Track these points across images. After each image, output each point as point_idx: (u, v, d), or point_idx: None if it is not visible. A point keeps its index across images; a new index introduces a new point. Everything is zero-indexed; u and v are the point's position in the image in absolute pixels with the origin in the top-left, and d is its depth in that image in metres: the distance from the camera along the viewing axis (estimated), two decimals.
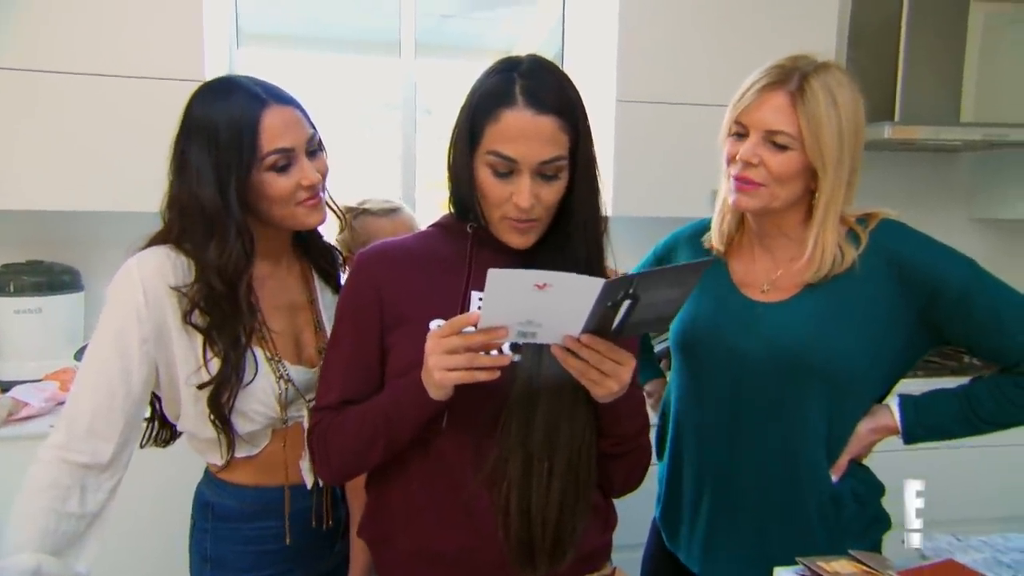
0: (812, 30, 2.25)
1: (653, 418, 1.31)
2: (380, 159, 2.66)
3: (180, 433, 1.21)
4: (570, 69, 2.56)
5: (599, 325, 0.85)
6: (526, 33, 2.77)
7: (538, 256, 1.00)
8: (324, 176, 1.15)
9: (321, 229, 1.24)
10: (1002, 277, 1.13)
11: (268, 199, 1.09)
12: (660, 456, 1.36)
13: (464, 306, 0.98)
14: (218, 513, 1.17)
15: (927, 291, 1.11)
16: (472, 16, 2.77)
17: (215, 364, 1.07)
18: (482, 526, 0.97)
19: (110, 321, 1.05)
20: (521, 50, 2.70)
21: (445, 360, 0.86)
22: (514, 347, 0.95)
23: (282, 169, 1.08)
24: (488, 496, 0.96)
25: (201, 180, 1.05)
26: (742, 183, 1.13)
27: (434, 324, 0.97)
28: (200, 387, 1.07)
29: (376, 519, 1.07)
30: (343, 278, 1.32)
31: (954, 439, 1.19)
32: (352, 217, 1.62)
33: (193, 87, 1.12)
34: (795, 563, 1.00)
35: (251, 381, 1.10)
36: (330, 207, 1.19)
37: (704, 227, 1.31)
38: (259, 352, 1.13)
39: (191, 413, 1.10)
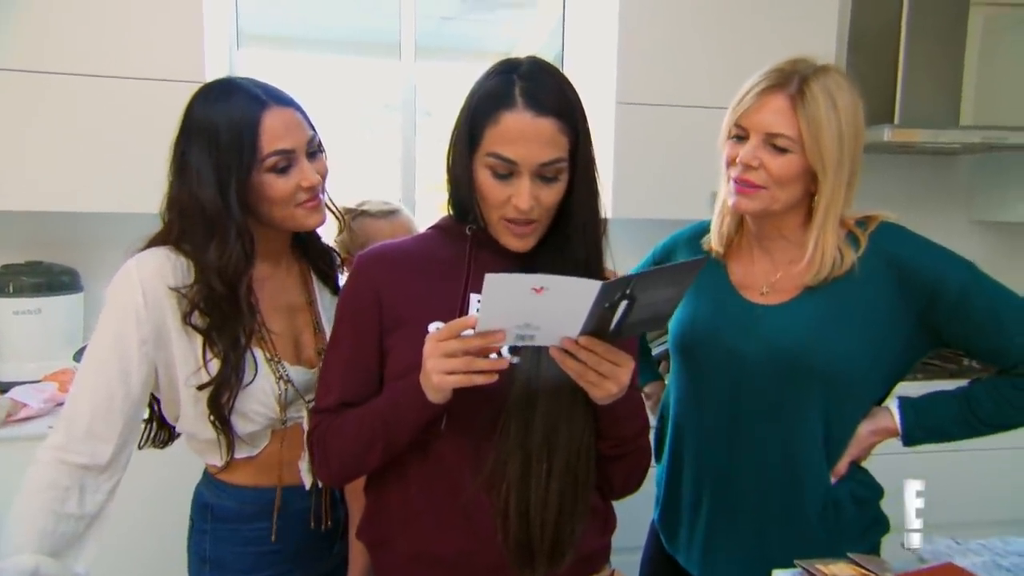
0: (812, 33, 2.25)
1: (652, 420, 1.31)
2: (380, 161, 2.66)
3: (178, 434, 1.21)
4: (570, 71, 2.55)
5: (597, 326, 0.85)
6: (526, 35, 2.78)
7: (537, 258, 1.00)
8: (324, 178, 1.15)
9: (320, 231, 1.24)
10: (1002, 279, 1.14)
11: (268, 200, 1.09)
12: (659, 458, 1.36)
13: (463, 308, 0.98)
14: (217, 514, 1.17)
15: (926, 293, 1.11)
16: (472, 18, 2.77)
17: (215, 365, 1.07)
18: (481, 528, 0.97)
19: (109, 322, 1.05)
20: (521, 52, 2.71)
21: (443, 363, 0.86)
22: (512, 350, 0.95)
23: (282, 170, 1.08)
24: (487, 498, 0.96)
25: (201, 181, 1.05)
26: (742, 185, 1.13)
27: (433, 327, 0.97)
28: (200, 388, 1.07)
29: (375, 521, 1.07)
30: (341, 280, 1.32)
31: (953, 441, 1.19)
32: (351, 218, 1.62)
33: (193, 88, 1.12)
34: (794, 566, 1.00)
35: (251, 382, 1.10)
36: (329, 209, 1.19)
37: (703, 229, 1.31)
38: (259, 353, 1.13)
39: (191, 414, 1.10)
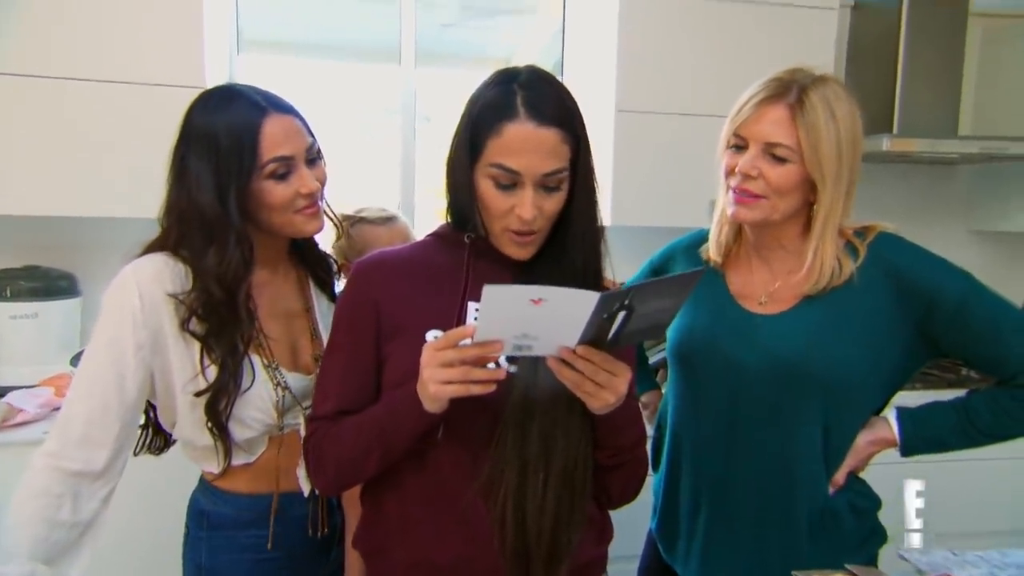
0: (811, 42, 2.26)
1: (649, 430, 1.31)
2: (380, 165, 2.67)
3: (174, 441, 1.21)
4: (569, 79, 2.57)
5: (595, 336, 0.85)
6: (525, 42, 2.79)
7: (536, 267, 1.00)
8: (323, 184, 1.15)
9: (317, 237, 1.24)
10: (1000, 289, 1.14)
11: (267, 207, 1.09)
12: (656, 467, 1.36)
13: (461, 317, 0.98)
14: (213, 522, 1.16)
15: (924, 303, 1.11)
16: (472, 25, 2.78)
17: (212, 371, 1.07)
18: (478, 536, 0.96)
19: (106, 328, 1.05)
20: (520, 59, 2.74)
21: (441, 373, 0.86)
22: (510, 359, 0.95)
23: (281, 177, 1.08)
24: (484, 507, 0.96)
25: (200, 187, 1.06)
26: (741, 195, 1.14)
27: (430, 335, 0.97)
28: (197, 394, 1.06)
29: (371, 530, 1.06)
30: (338, 286, 1.32)
31: (952, 451, 1.19)
32: (349, 225, 1.63)
33: (193, 93, 1.13)
34: None
35: (248, 388, 1.10)
36: (327, 215, 1.19)
37: (702, 238, 1.31)
38: (256, 359, 1.13)
39: (187, 421, 1.10)
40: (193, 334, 1.06)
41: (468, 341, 0.86)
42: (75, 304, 2.14)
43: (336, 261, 1.35)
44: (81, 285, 2.17)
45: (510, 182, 0.93)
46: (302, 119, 1.13)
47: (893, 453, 1.19)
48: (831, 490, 1.17)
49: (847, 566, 1.03)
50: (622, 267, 1.13)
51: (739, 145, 1.14)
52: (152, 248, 1.10)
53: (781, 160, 1.10)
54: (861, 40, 2.54)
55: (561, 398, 0.94)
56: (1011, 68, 2.69)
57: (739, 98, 1.15)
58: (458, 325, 0.97)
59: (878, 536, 1.23)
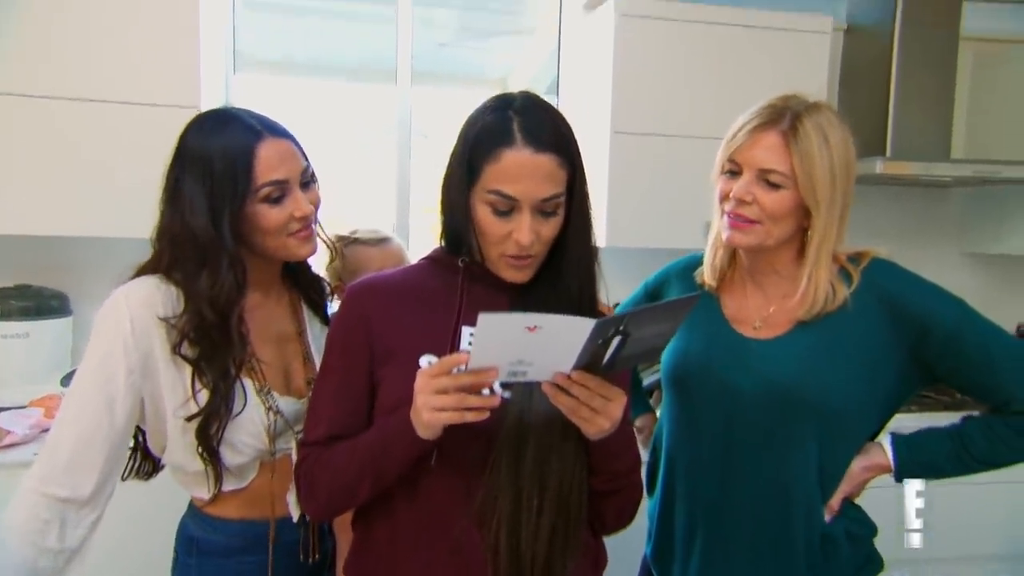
0: (804, 65, 2.29)
1: (644, 454, 1.30)
2: (376, 184, 2.68)
3: (163, 466, 1.20)
4: (565, 100, 2.59)
5: (589, 361, 0.85)
6: (522, 62, 2.81)
7: (531, 291, 1.01)
8: (317, 207, 1.15)
9: (310, 260, 1.24)
10: (993, 312, 1.14)
11: (261, 230, 1.10)
12: (651, 492, 1.36)
13: (455, 342, 0.98)
14: (203, 548, 1.15)
15: (917, 329, 1.12)
16: (468, 45, 2.80)
17: (204, 395, 1.06)
18: (471, 564, 0.96)
19: (96, 352, 1.05)
20: (517, 79, 2.76)
21: (434, 400, 0.86)
22: (504, 385, 0.95)
23: (276, 201, 1.09)
24: (477, 534, 0.95)
25: (194, 210, 1.06)
26: (736, 220, 1.15)
27: (424, 360, 0.97)
28: (188, 419, 1.06)
29: (362, 557, 1.05)
30: (331, 308, 1.32)
31: (946, 478, 1.19)
32: (343, 246, 1.63)
33: (189, 114, 1.13)
34: None
35: (240, 412, 1.09)
36: (320, 238, 1.19)
37: (697, 262, 1.32)
38: (248, 383, 1.12)
39: (178, 446, 1.09)
40: (185, 358, 1.05)
41: (462, 368, 0.85)
42: (66, 324, 2.14)
43: (330, 283, 1.36)
44: (73, 305, 2.17)
45: (508, 208, 0.94)
46: (296, 143, 1.13)
47: (888, 479, 1.19)
48: (827, 517, 1.17)
49: None
50: (617, 288, 1.14)
51: (733, 171, 1.15)
52: (144, 271, 1.10)
53: (775, 186, 1.11)
54: (854, 63, 2.57)
55: (555, 424, 0.94)
56: (1003, 92, 2.72)
57: (733, 124, 1.16)
58: (452, 350, 0.98)
59: (874, 564, 1.23)
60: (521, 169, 0.92)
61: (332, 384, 1.03)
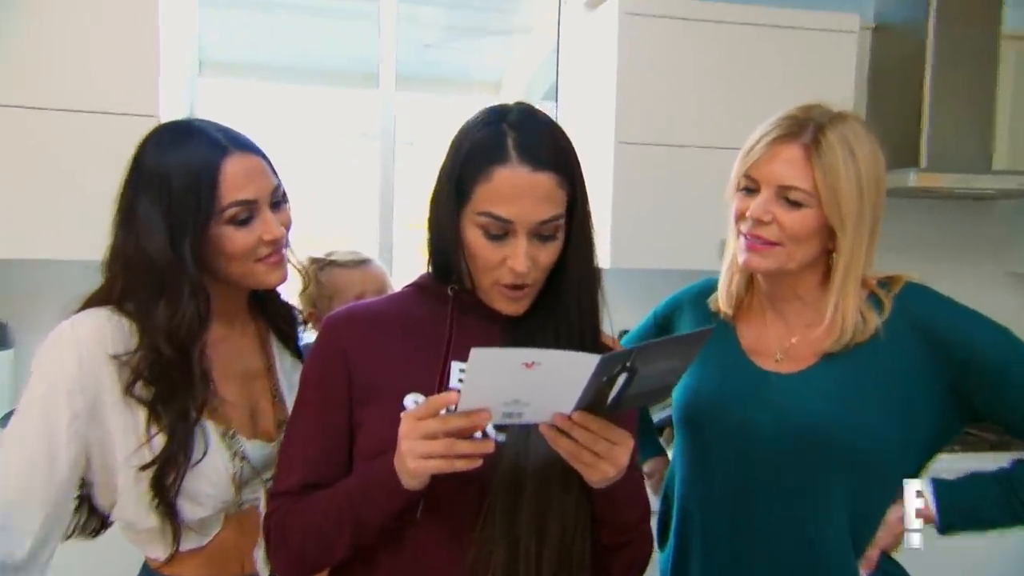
0: (828, 68, 2.31)
1: (654, 502, 1.30)
2: (357, 197, 2.68)
3: (111, 522, 1.18)
4: (564, 107, 2.61)
5: (593, 400, 0.85)
6: (515, 65, 2.83)
7: (526, 321, 1.01)
8: (288, 229, 1.15)
9: (280, 287, 1.23)
10: None
11: (226, 255, 1.09)
12: (662, 544, 1.35)
13: (443, 379, 0.98)
14: None
15: (957, 361, 1.12)
16: (456, 46, 2.83)
17: (159, 441, 1.05)
18: None
19: (36, 395, 1.03)
20: (510, 83, 2.78)
21: (421, 446, 0.85)
22: (498, 427, 0.95)
23: (243, 223, 1.08)
24: None
25: (151, 232, 1.05)
26: (753, 241, 1.15)
27: (409, 400, 0.97)
28: (142, 468, 1.05)
29: None
30: (304, 340, 1.32)
31: (995, 529, 1.18)
32: (318, 269, 1.63)
33: (146, 123, 1.14)
34: None
35: (200, 459, 1.08)
36: (291, 264, 1.19)
37: (711, 287, 1.32)
38: (210, 426, 1.11)
39: (130, 499, 1.08)
40: (138, 399, 1.05)
41: (452, 408, 0.85)
42: (7, 356, 2.13)
43: (302, 311, 1.35)
44: (14, 335, 2.16)
45: (501, 231, 0.94)
46: (267, 158, 1.14)
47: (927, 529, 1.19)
48: (863, 573, 1.16)
49: None
50: (622, 314, 1.14)
51: (750, 187, 1.16)
52: (93, 301, 1.09)
53: (796, 204, 1.11)
54: (884, 65, 2.58)
55: (555, 469, 0.93)
56: None
57: (750, 136, 1.17)
58: (441, 387, 0.97)
59: None
60: (516, 189, 0.92)
61: (306, 428, 1.03)
